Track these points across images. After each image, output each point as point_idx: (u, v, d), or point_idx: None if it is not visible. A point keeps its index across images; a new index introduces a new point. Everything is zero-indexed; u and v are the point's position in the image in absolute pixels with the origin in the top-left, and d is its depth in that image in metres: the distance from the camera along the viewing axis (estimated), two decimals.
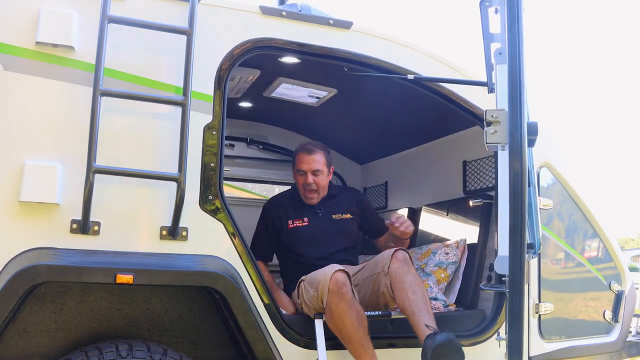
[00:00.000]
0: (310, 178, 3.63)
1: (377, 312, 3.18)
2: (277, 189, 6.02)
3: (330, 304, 2.91)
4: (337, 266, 3.04)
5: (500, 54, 2.36)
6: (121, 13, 2.59)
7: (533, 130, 2.19)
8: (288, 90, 4.32)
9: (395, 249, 3.21)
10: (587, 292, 3.99)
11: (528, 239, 2.28)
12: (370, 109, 4.50)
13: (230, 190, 5.49)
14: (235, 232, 2.77)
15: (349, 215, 3.76)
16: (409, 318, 2.98)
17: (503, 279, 3.05)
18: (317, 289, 3.01)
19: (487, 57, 2.69)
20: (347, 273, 2.99)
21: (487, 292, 3.67)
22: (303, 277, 3.27)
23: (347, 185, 5.37)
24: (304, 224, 3.64)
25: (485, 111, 2.22)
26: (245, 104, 4.74)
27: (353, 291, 3.01)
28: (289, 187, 3.98)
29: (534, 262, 3.53)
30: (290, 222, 3.65)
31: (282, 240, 3.67)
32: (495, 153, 2.56)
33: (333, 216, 3.71)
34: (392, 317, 3.17)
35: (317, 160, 3.66)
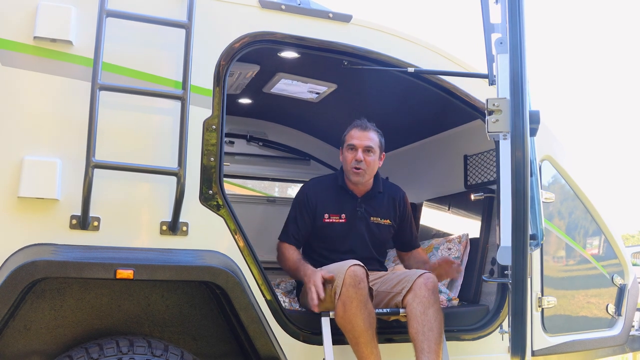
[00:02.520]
0: (361, 155, 3.33)
1: (385, 310, 3.08)
2: (278, 186, 6.01)
3: (345, 297, 2.81)
4: (355, 261, 2.94)
5: (501, 43, 2.35)
6: (119, 7, 2.58)
7: (535, 118, 2.17)
8: (288, 86, 4.31)
9: (423, 272, 3.06)
10: (589, 289, 3.97)
11: (530, 230, 2.26)
12: (371, 104, 4.49)
13: (230, 187, 5.48)
14: (236, 228, 2.75)
15: (388, 221, 3.50)
16: (416, 353, 2.85)
17: (505, 272, 3.04)
18: (332, 281, 2.92)
19: (487, 48, 2.67)
20: (365, 269, 2.90)
21: (489, 287, 3.65)
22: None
23: None
24: (340, 220, 3.39)
25: (487, 99, 2.20)
26: (245, 101, 4.73)
27: (370, 289, 2.94)
28: (331, 172, 3.71)
29: (536, 256, 3.52)
30: (326, 215, 3.39)
31: (315, 231, 3.43)
32: (497, 143, 2.54)
33: (372, 219, 3.45)
34: (401, 314, 3.04)
35: (371, 137, 3.39)
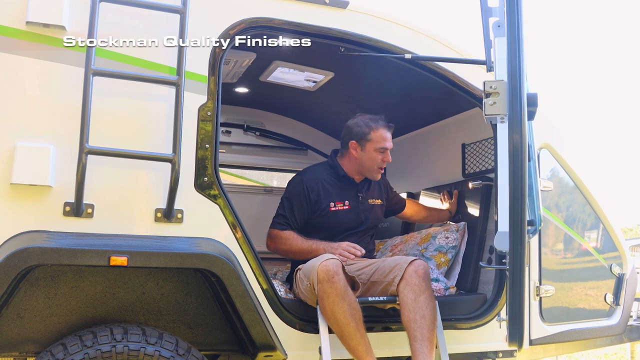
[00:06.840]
0: (390, 157, 3.52)
1: (381, 298, 3.08)
2: (276, 177, 5.99)
3: (321, 293, 2.84)
4: (329, 255, 2.99)
5: (499, 26, 2.32)
6: None
7: (533, 101, 2.15)
8: (284, 75, 4.27)
9: (413, 259, 3.06)
10: (587, 281, 3.96)
11: (528, 216, 2.24)
12: (368, 92, 4.46)
13: (227, 177, 5.45)
14: (232, 216, 2.73)
15: (379, 201, 3.69)
16: (410, 341, 2.86)
17: (503, 260, 3.03)
18: (309, 278, 2.94)
19: (485, 34, 2.64)
20: (339, 262, 2.92)
21: (487, 276, 3.63)
22: (300, 266, 3.20)
23: None
24: (344, 207, 3.48)
25: (484, 82, 2.18)
26: (242, 90, 4.70)
27: (354, 280, 2.95)
28: (322, 161, 3.73)
29: (534, 244, 3.50)
30: (332, 204, 3.46)
31: (317, 221, 3.47)
32: (494, 127, 2.52)
33: (369, 201, 3.62)
34: (397, 302, 3.02)
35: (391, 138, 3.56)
